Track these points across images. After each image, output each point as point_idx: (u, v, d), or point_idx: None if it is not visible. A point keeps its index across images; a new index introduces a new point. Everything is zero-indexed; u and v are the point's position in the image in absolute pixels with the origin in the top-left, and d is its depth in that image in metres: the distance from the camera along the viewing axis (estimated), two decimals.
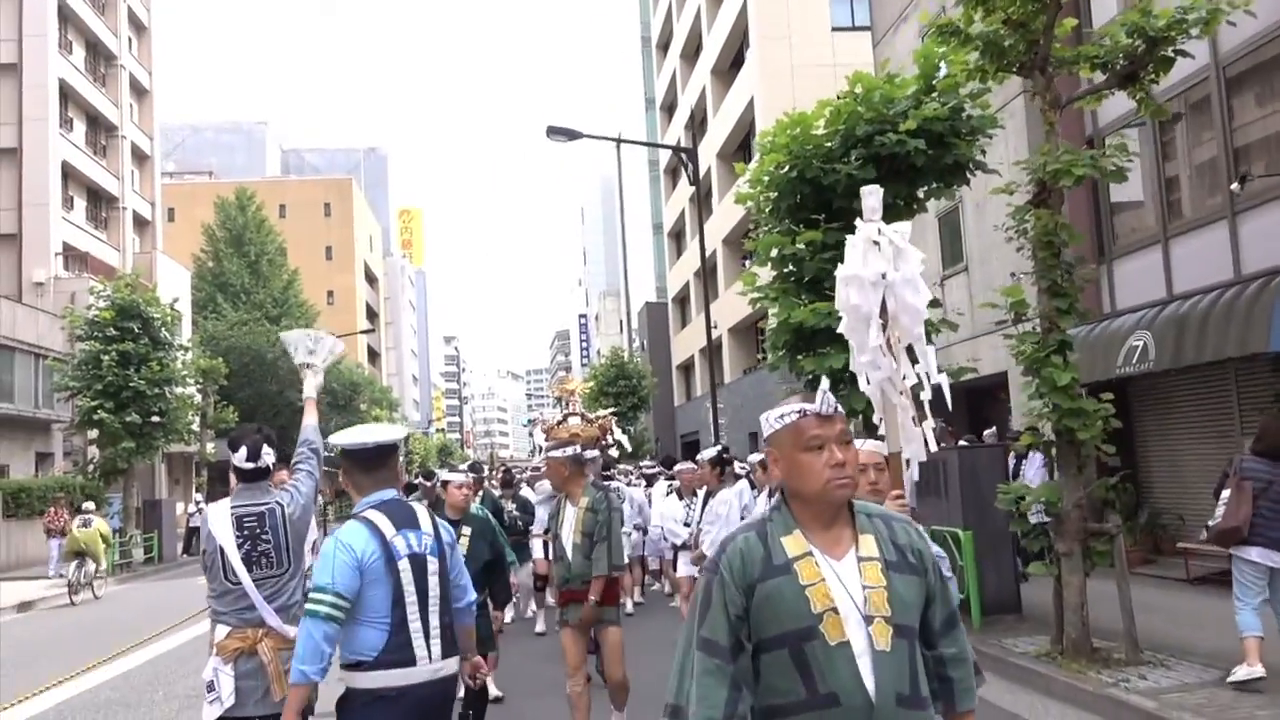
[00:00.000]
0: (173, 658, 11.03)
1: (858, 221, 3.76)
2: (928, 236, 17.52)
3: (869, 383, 3.56)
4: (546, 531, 9.74)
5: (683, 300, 48.68)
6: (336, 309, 72.65)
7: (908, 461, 3.26)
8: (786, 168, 11.46)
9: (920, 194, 11.71)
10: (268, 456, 4.23)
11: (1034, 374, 8.05)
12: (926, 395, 3.52)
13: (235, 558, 4.02)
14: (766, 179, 11.72)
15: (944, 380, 3.54)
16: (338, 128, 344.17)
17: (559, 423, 15.26)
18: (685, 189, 45.31)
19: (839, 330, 3.51)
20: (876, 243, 3.64)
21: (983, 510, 9.50)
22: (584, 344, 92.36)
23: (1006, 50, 8.57)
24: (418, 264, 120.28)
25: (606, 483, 11.49)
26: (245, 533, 4.09)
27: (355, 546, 3.43)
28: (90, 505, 19.64)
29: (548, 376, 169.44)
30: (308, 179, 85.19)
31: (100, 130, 39.93)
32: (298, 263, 62.41)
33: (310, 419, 4.71)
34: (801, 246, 11.12)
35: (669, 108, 51.10)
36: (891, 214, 11.72)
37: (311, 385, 4.84)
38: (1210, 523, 9.71)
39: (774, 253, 11.57)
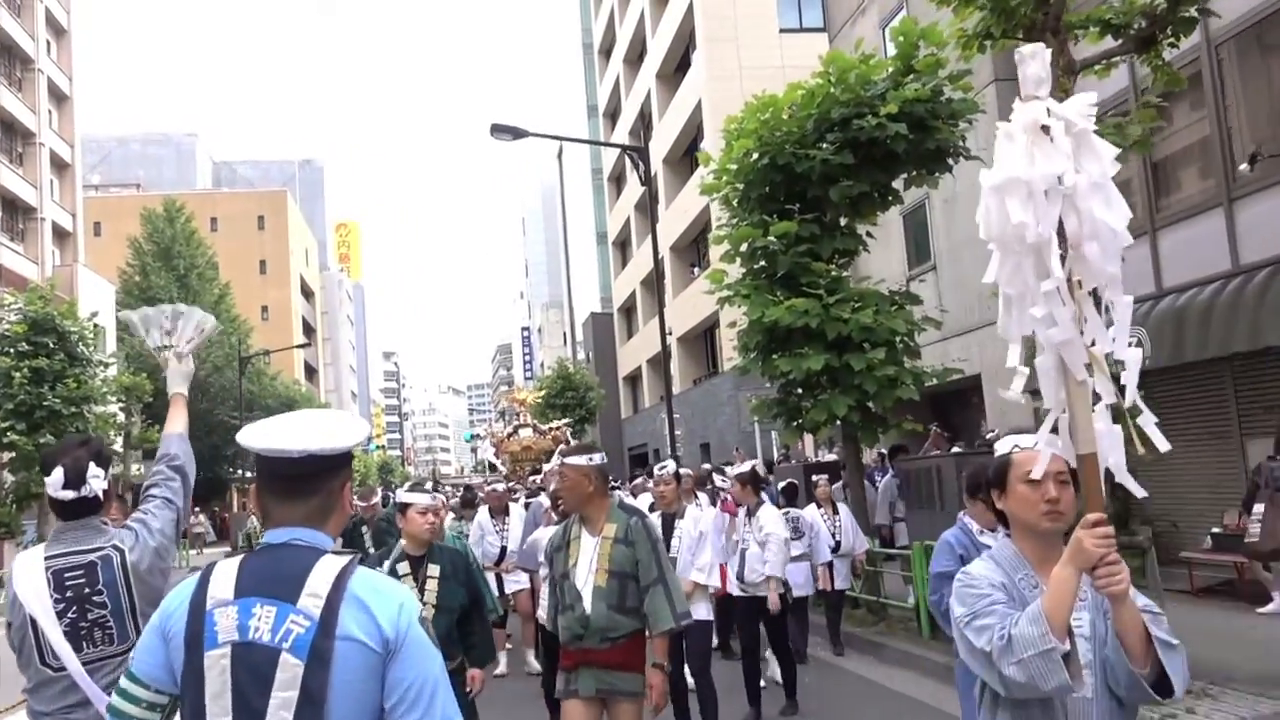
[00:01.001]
0: None
1: (1015, 104, 2.26)
2: (892, 235, 16.80)
3: (1040, 350, 2.23)
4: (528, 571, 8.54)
5: (629, 310, 47.79)
6: (271, 324, 70.60)
7: (1107, 471, 2.07)
8: (756, 155, 10.61)
9: (900, 182, 10.91)
10: (96, 482, 2.94)
11: None
12: (1131, 372, 2.16)
13: (54, 631, 2.76)
14: (734, 167, 10.85)
15: (1137, 353, 2.18)
16: (271, 139, 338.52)
17: (509, 434, 14.23)
18: (630, 196, 44.47)
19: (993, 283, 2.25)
20: (1046, 129, 2.18)
21: None
22: (527, 357, 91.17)
23: (1014, 10, 7.74)
24: (355, 278, 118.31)
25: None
26: (67, 594, 2.80)
27: (166, 608, 2.01)
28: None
29: (489, 391, 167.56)
30: (240, 191, 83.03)
31: (16, 137, 38.00)
32: (231, 277, 60.44)
33: (176, 425, 3.42)
34: (774, 239, 10.25)
35: (612, 114, 50.28)
36: (866, 205, 10.93)
37: (177, 375, 3.59)
38: (1246, 539, 9.07)
39: (744, 247, 10.69)
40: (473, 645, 4.93)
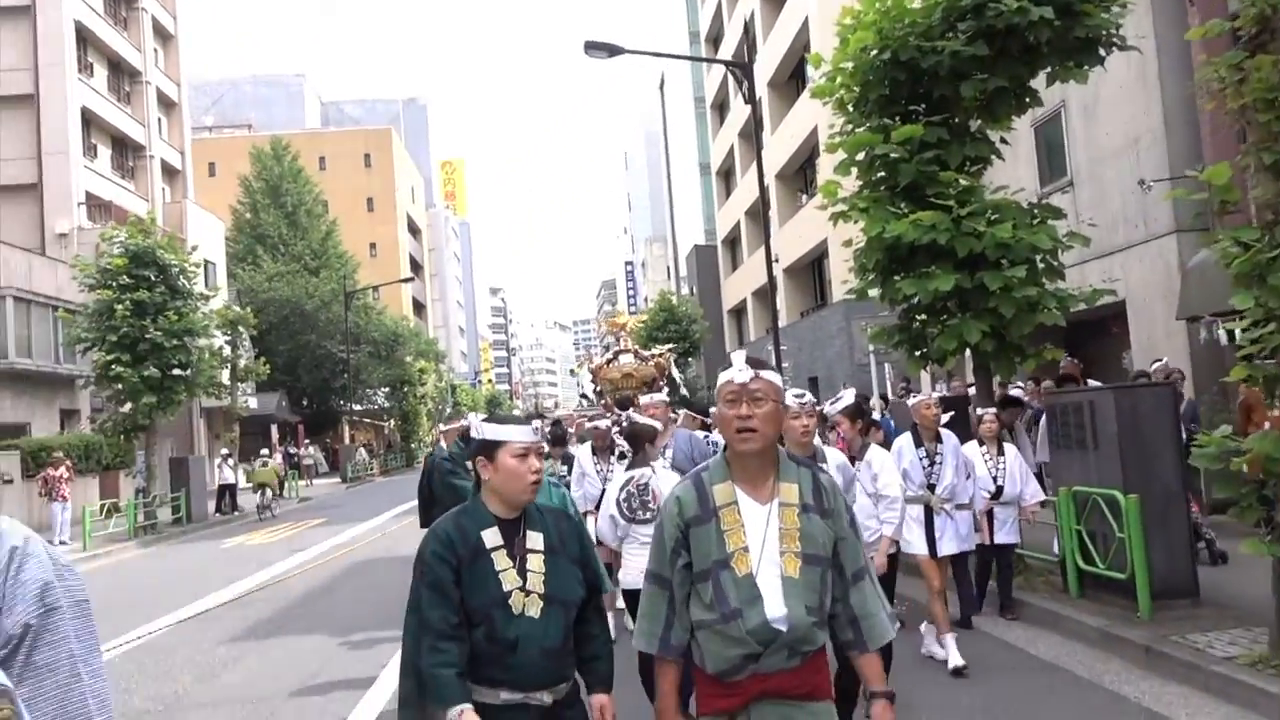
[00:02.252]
0: (150, 650, 9.36)
1: None
2: (1020, 149, 15.28)
3: None
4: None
5: (733, 241, 46.44)
6: (379, 260, 71.28)
7: None
8: (875, 50, 9.35)
9: (1041, 79, 9.55)
10: None
11: (1254, 283, 5.76)
12: None
13: None
14: (850, 66, 9.61)
15: None
16: (377, 78, 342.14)
17: (608, 361, 13.33)
18: (733, 124, 42.92)
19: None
20: None
21: (1149, 468, 7.46)
22: (630, 292, 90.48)
23: None
24: (461, 215, 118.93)
25: (705, 432, 9.44)
26: None
27: None
28: (265, 451, 29.37)
29: (595, 326, 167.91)
30: (347, 130, 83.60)
31: (123, 76, 38.30)
32: (339, 214, 61.09)
33: None
34: (896, 145, 9.05)
35: (715, 39, 48.54)
36: (1001, 105, 9.60)
37: None
38: None
39: (861, 155, 9.51)
40: (593, 657, 3.13)
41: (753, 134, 40.34)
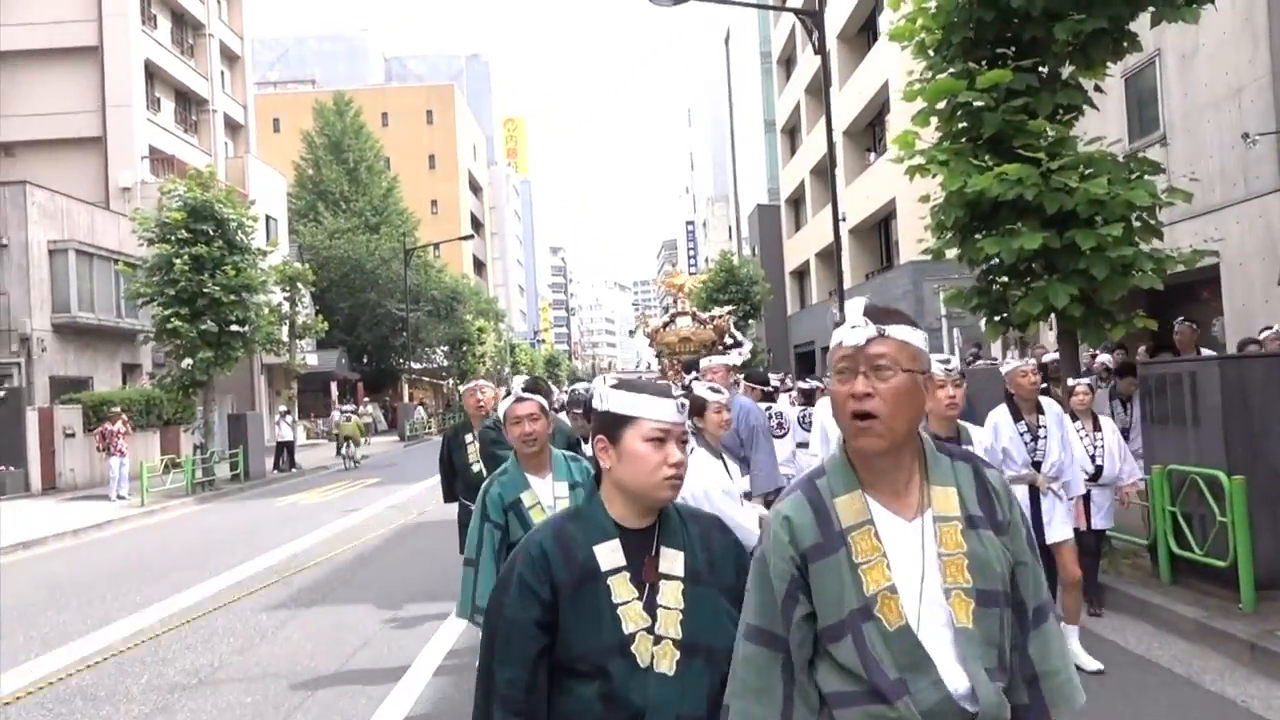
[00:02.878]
0: (191, 616, 9.11)
1: None
2: (1108, 101, 14.33)
3: None
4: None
5: (796, 201, 45.43)
6: (440, 218, 71.36)
7: None
8: None
9: (1144, 21, 8.74)
10: None
11: None
12: None
13: None
14: (934, 6, 8.89)
15: None
16: (440, 34, 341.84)
17: (665, 324, 12.78)
18: (800, 79, 41.79)
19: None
20: None
21: (1256, 446, 6.78)
22: (691, 252, 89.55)
23: None
24: (522, 173, 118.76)
25: (767, 404, 8.68)
26: None
27: None
28: (350, 406, 31.95)
29: (655, 287, 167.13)
30: (409, 86, 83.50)
31: (186, 28, 38.27)
32: (401, 171, 61.12)
33: None
34: (981, 93, 8.34)
35: None
36: (1098, 49, 8.81)
37: None
38: None
39: (942, 104, 8.80)
40: None
41: (820, 88, 39.30)
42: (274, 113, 67.02)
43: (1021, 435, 6.15)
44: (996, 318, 8.98)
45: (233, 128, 41.58)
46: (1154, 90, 14.11)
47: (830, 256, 39.28)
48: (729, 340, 13.17)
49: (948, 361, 4.33)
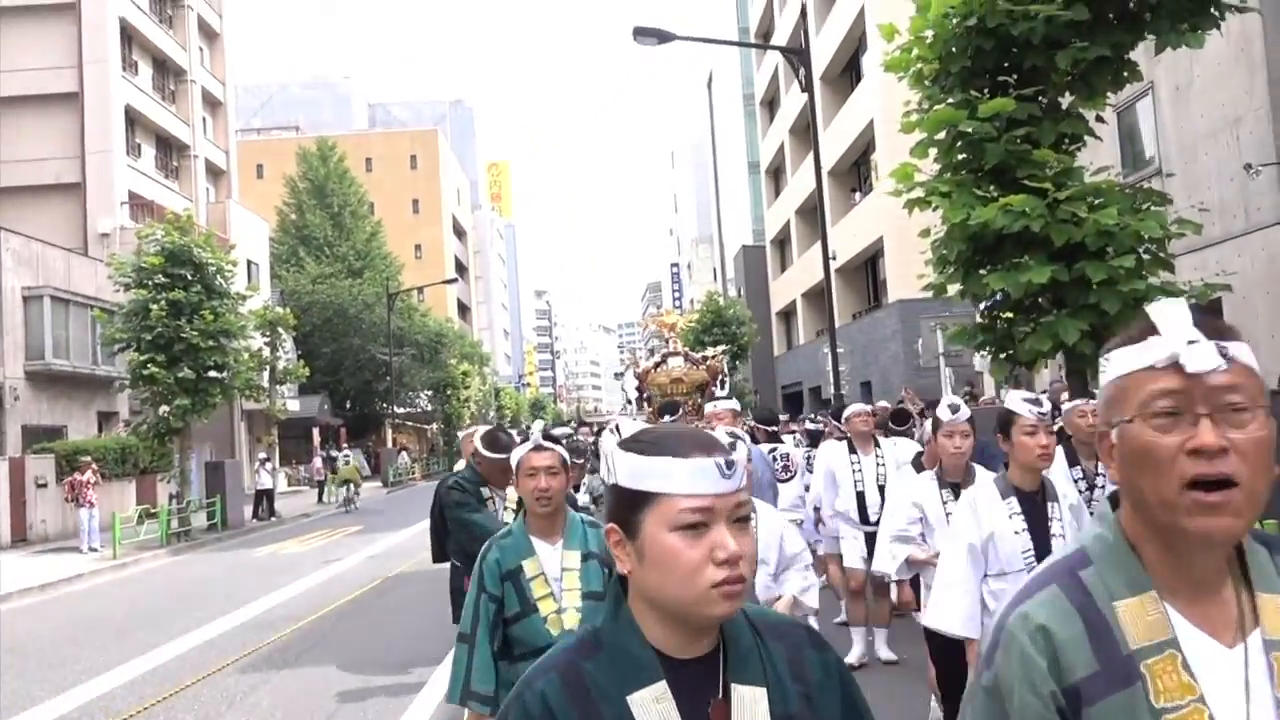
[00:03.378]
0: (155, 678, 8.58)
1: None
2: (1101, 133, 14.10)
3: None
4: None
5: (782, 242, 45.36)
6: (424, 263, 71.07)
7: None
8: (959, 16, 8.35)
9: (1146, 50, 8.50)
10: None
11: None
12: None
13: None
14: (931, 35, 8.62)
15: None
16: (424, 80, 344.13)
17: (656, 365, 12.35)
18: (784, 121, 41.85)
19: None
20: None
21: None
22: (676, 294, 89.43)
23: None
24: (506, 217, 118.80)
25: (774, 445, 8.10)
26: None
27: None
28: (345, 450, 34.08)
29: (640, 330, 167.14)
30: (393, 131, 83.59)
31: (168, 74, 38.06)
32: (385, 216, 60.94)
33: None
34: (983, 122, 8.04)
35: (765, 34, 47.48)
36: (1099, 78, 8.53)
37: None
38: None
39: (942, 134, 8.50)
40: None
41: (804, 129, 39.31)
42: (257, 159, 66.85)
43: (1076, 483, 5.25)
44: (1002, 355, 8.62)
45: (214, 173, 41.27)
46: (1149, 122, 13.92)
47: (817, 297, 39.13)
48: (720, 382, 12.75)
49: (1038, 402, 3.75)
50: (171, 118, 37.36)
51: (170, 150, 38.04)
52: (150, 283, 21.16)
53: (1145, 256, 7.85)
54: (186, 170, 38.64)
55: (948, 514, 4.19)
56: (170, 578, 15.75)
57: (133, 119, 34.35)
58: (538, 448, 3.28)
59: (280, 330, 31.13)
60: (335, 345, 47.25)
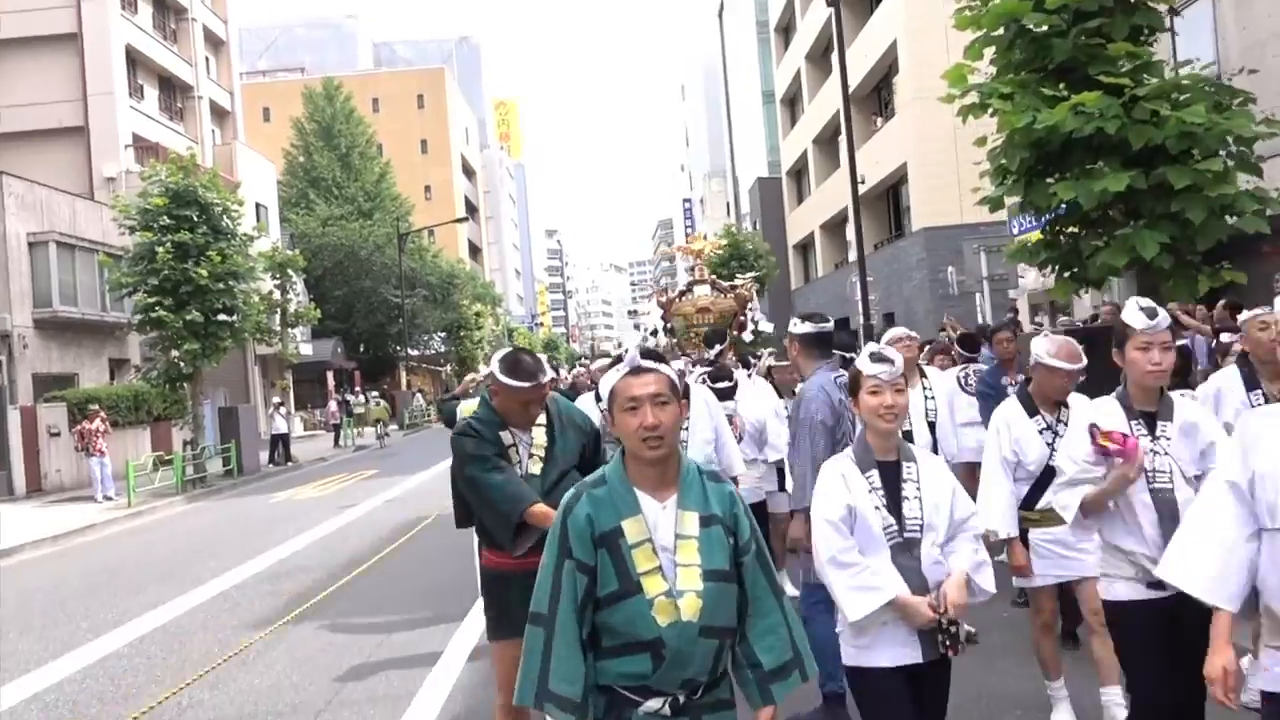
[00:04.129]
0: (165, 635, 8.11)
1: None
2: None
3: None
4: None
5: (799, 172, 44.32)
6: (434, 203, 70.25)
7: None
8: None
9: None
10: None
11: None
12: None
13: None
14: None
15: None
16: (429, 18, 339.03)
17: (681, 294, 11.66)
18: (800, 46, 40.62)
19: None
20: None
21: None
22: (689, 230, 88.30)
23: None
24: (516, 157, 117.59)
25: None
26: None
27: None
28: (374, 393, 37.69)
29: (651, 268, 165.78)
30: (399, 71, 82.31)
31: (168, 13, 37.02)
32: (393, 157, 59.94)
33: None
34: (1049, 15, 7.28)
35: None
36: None
37: None
38: None
39: (1002, 30, 7.74)
40: None
41: (823, 55, 38.12)
42: (263, 102, 65.72)
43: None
44: (1066, 273, 7.93)
45: (220, 115, 40.39)
46: (1210, 26, 13.02)
47: (836, 228, 38.22)
48: (750, 313, 12.06)
49: (1154, 312, 3.20)
50: (174, 57, 36.42)
51: (174, 91, 37.16)
52: (156, 225, 20.50)
53: (1235, 160, 7.12)
54: (191, 112, 37.78)
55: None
56: (184, 526, 15.34)
57: (134, 59, 33.46)
58: (636, 370, 2.47)
59: (291, 272, 30.53)
60: (347, 288, 46.66)
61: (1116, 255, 7.11)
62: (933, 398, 5.92)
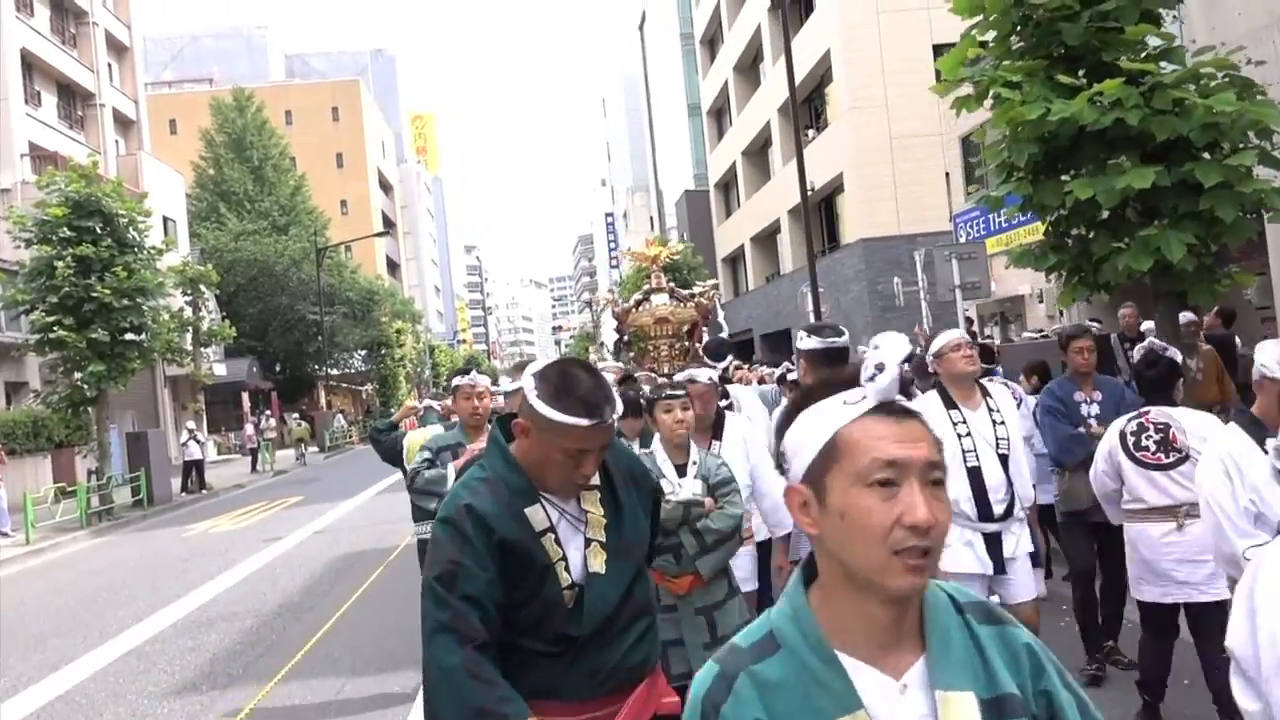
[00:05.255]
0: (61, 708, 7.02)
1: None
2: None
3: None
4: None
5: (726, 185, 43.88)
6: (351, 218, 68.44)
7: None
8: None
9: None
10: None
11: None
12: None
13: None
14: None
15: None
16: (342, 30, 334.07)
17: (638, 304, 10.74)
18: (727, 58, 40.23)
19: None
20: None
21: None
22: (612, 245, 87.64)
23: None
24: (433, 171, 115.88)
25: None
26: None
27: None
28: (295, 415, 38.41)
29: (571, 284, 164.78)
30: (313, 83, 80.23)
31: (67, 16, 35.15)
32: (308, 171, 58.12)
33: None
34: None
35: None
36: None
37: None
38: None
39: (996, 14, 7.10)
40: None
41: (750, 65, 37.80)
42: (170, 114, 63.23)
43: None
44: (1075, 278, 7.32)
45: (124, 124, 38.53)
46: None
47: (767, 240, 37.84)
48: (714, 320, 11.27)
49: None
50: (73, 63, 34.58)
51: (74, 99, 35.28)
52: (55, 237, 19.04)
53: (1264, 150, 6.58)
54: (93, 120, 35.92)
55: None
56: (90, 565, 14.01)
57: (30, 64, 31.63)
58: (890, 409, 1.26)
59: (203, 289, 28.99)
60: (262, 305, 44.93)
61: (1139, 258, 6.49)
62: (1003, 422, 4.47)
